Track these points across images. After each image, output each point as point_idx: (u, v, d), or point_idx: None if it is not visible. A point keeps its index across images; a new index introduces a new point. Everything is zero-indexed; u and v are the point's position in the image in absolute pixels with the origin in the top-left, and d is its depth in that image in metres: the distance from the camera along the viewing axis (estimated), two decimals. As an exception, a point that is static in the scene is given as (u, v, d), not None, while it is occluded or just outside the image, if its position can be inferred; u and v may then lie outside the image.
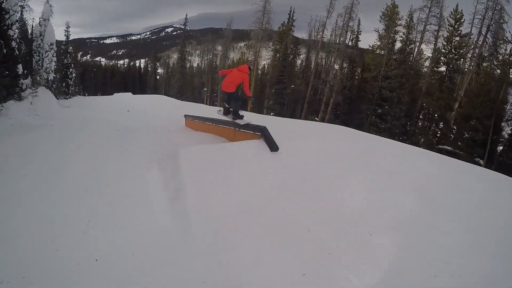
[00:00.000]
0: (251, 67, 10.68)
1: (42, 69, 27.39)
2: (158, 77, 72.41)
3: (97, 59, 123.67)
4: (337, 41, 40.37)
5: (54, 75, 27.20)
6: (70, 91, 42.83)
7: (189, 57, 75.78)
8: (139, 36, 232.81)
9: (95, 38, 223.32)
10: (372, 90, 37.45)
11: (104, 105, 31.36)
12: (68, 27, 46.43)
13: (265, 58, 47.37)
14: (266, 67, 48.33)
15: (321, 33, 41.83)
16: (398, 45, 37.10)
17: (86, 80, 72.94)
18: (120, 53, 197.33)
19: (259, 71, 47.18)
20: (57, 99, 27.97)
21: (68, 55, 44.49)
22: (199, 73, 59.99)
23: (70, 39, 46.33)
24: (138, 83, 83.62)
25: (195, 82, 56.48)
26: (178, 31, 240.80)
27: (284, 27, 44.97)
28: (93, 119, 17.27)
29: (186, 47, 57.39)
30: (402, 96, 34.93)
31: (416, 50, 36.95)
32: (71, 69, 43.69)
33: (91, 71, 76.70)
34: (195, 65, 70.50)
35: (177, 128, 16.04)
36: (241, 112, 10.49)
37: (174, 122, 18.36)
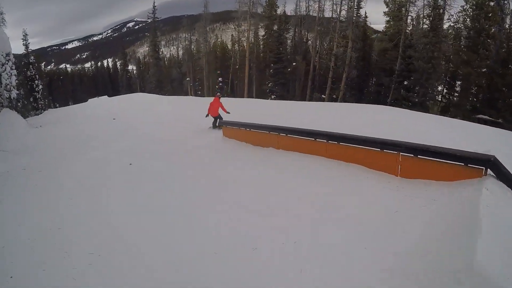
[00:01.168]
0: (219, 94, 15.84)
1: (1, 86, 22.39)
2: (129, 75, 66.27)
3: (62, 66, 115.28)
4: (338, 11, 35.92)
5: (17, 92, 22.34)
6: (40, 105, 37.48)
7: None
8: (100, 36, 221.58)
9: (55, 45, 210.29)
10: (391, 61, 33.24)
11: (82, 116, 26.76)
12: (25, 35, 40.61)
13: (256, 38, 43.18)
14: (255, 48, 43.48)
15: (317, 3, 37.07)
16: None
17: (55, 90, 66.74)
18: (84, 56, 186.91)
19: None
20: (25, 118, 23.31)
21: (31, 66, 38.71)
22: (176, 63, 54.57)
23: (30, 49, 40.30)
24: (109, 84, 77.78)
25: (173, 73, 51.25)
26: (140, 25, 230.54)
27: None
28: (78, 142, 12.98)
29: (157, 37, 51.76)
30: (437, 66, 31.11)
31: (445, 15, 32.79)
32: (36, 81, 38.12)
33: (58, 79, 70.09)
34: (167, 56, 64.99)
35: (208, 142, 11.77)
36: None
37: (187, 131, 14.50)
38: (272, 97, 36.94)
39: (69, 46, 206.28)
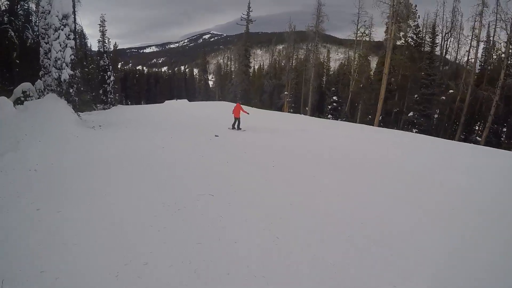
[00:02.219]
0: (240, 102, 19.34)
1: (50, 62, 13.87)
2: (210, 82, 59.02)
3: (138, 67, 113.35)
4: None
5: (71, 72, 13.69)
6: (109, 99, 30.06)
7: (228, 62, 62.84)
8: (177, 44, 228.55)
9: (134, 48, 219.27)
10: None
11: (158, 120, 18.08)
12: (103, 20, 33.56)
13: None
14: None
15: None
16: None
17: (128, 88, 60.97)
18: (160, 61, 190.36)
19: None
20: (78, 112, 14.67)
21: (105, 54, 31.59)
22: (268, 73, 45.27)
23: (106, 37, 33.47)
24: (184, 88, 71.49)
25: (265, 85, 42.00)
26: (216, 37, 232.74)
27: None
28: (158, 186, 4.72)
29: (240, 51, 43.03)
30: None
31: None
32: (109, 72, 30.77)
33: (133, 77, 64.60)
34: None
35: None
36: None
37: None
38: (414, 131, 25.45)
39: (147, 50, 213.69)
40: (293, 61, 38.96)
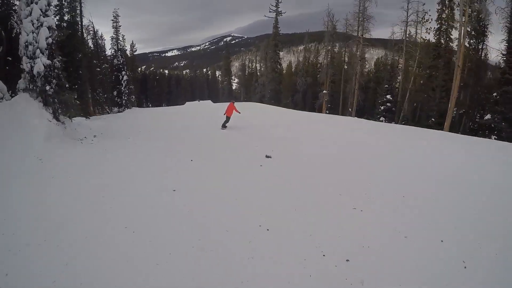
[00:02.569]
0: (234, 101, 16.44)
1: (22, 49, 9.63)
2: (234, 83, 54.90)
3: (160, 70, 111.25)
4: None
5: (48, 62, 9.21)
6: (123, 101, 26.07)
7: (250, 64, 58.47)
8: (198, 47, 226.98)
9: (156, 52, 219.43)
10: None
11: (176, 127, 14.16)
12: (116, 16, 29.73)
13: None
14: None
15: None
16: None
17: (149, 90, 57.52)
18: (182, 64, 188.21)
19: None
20: (87, 116, 10.47)
21: (119, 52, 27.61)
22: (301, 71, 39.81)
23: (120, 33, 29.59)
24: (206, 90, 67.71)
25: (298, 83, 36.93)
26: (237, 40, 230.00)
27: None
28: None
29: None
30: None
31: None
32: (123, 72, 26.76)
33: (154, 79, 61.10)
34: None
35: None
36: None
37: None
38: (493, 137, 19.77)
39: (169, 54, 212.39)
40: (330, 57, 33.77)
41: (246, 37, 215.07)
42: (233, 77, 69.50)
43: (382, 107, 27.66)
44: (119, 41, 28.62)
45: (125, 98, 26.55)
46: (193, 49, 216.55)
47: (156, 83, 60.90)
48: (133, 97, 29.62)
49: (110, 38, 29.13)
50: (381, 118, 26.52)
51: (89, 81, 22.13)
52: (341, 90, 32.37)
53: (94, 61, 25.37)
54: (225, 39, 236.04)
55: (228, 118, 15.39)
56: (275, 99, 35.17)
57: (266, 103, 33.08)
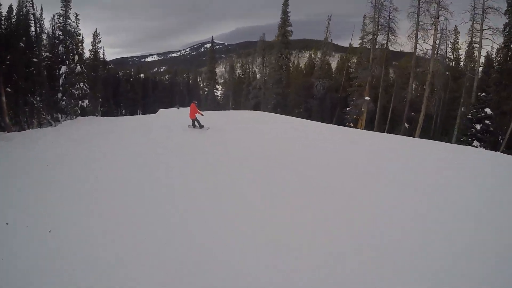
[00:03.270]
0: (196, 102, 15.85)
1: None
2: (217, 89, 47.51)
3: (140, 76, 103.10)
4: None
5: None
6: (64, 102, 17.89)
7: (242, 66, 51.51)
8: (179, 53, 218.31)
9: (136, 56, 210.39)
10: None
11: (120, 167, 8.03)
12: None
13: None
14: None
15: None
16: None
17: (120, 94, 49.25)
18: (161, 70, 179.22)
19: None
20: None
21: (65, 36, 19.75)
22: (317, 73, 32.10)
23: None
24: (187, 96, 60.22)
25: (316, 86, 29.38)
26: (217, 46, 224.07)
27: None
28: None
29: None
30: None
31: None
32: (63, 67, 18.79)
33: (127, 82, 52.78)
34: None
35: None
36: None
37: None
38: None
39: (149, 59, 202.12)
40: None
41: (226, 44, 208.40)
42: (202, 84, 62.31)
43: (476, 126, 20.06)
44: (69, 21, 20.60)
45: (67, 101, 18.51)
46: (173, 54, 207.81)
47: (130, 87, 52.58)
48: (85, 102, 20.99)
49: (55, 18, 20.90)
50: (475, 143, 19.21)
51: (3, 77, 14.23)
52: (392, 97, 24.84)
53: (21, 44, 17.31)
54: (205, 46, 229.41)
55: (193, 121, 15.03)
56: (282, 106, 27.81)
57: (268, 111, 25.79)
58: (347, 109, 26.31)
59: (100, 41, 34.24)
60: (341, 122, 25.75)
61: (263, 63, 32.27)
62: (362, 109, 24.64)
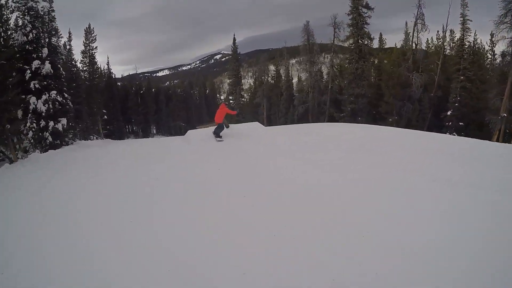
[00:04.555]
0: (227, 103, 15.26)
1: None
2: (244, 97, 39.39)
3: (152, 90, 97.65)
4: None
5: None
6: (32, 128, 10.06)
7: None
8: (189, 66, 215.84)
9: (147, 72, 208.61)
10: None
11: None
12: None
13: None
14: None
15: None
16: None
17: (130, 109, 41.44)
18: (173, 83, 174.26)
19: None
20: None
21: (37, 20, 11.93)
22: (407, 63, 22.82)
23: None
24: (205, 108, 52.66)
25: (414, 81, 20.25)
26: (227, 57, 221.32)
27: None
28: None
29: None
30: None
31: None
32: (37, 61, 10.94)
33: (136, 94, 44.98)
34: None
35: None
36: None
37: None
38: None
39: (160, 74, 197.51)
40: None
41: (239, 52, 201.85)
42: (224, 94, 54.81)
43: None
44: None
45: (25, 123, 10.39)
46: (184, 68, 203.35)
47: (141, 99, 44.74)
48: (64, 122, 12.29)
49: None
50: None
51: None
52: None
53: None
54: (215, 57, 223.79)
55: (219, 125, 12.15)
56: (364, 112, 19.04)
57: (341, 121, 17.25)
58: (448, 113, 17.79)
59: (95, 39, 26.50)
60: (437, 131, 17.21)
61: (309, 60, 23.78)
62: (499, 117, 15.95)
